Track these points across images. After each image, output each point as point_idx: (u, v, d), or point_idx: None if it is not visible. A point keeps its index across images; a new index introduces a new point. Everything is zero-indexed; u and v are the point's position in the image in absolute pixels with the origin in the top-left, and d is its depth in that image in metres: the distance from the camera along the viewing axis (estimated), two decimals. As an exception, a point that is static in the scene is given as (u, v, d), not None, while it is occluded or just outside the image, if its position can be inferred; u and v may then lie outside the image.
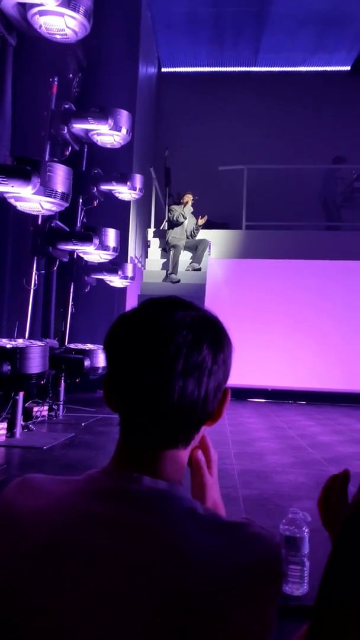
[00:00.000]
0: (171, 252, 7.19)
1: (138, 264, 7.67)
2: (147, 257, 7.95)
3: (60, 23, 3.05)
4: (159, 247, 7.83)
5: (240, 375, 7.62)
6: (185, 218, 7.18)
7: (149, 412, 0.62)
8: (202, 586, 0.55)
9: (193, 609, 0.54)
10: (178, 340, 0.61)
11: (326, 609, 0.53)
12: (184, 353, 0.61)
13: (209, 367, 0.63)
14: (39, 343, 3.15)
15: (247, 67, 9.96)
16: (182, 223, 7.17)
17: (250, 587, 0.57)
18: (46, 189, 3.09)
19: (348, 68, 9.74)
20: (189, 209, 7.26)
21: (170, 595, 0.54)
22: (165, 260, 7.48)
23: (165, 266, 7.43)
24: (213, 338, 0.65)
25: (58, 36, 3.21)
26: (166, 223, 7.44)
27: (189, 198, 7.27)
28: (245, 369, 7.64)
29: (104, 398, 0.67)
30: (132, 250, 7.25)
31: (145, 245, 8.15)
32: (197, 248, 7.33)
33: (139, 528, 0.58)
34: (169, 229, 7.32)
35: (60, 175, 3.16)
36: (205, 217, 7.32)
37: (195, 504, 0.62)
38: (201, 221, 7.30)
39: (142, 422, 0.63)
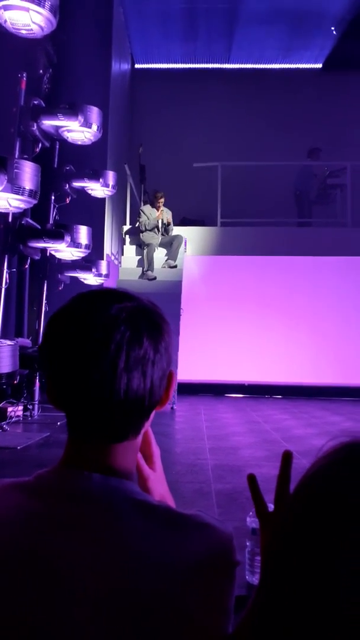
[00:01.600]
0: (145, 250, 7.19)
1: (115, 260, 7.64)
2: (122, 254, 7.93)
3: (26, 18, 3.01)
4: (132, 244, 7.82)
5: (217, 371, 7.67)
6: (149, 229, 7.18)
7: (96, 411, 0.61)
8: (155, 582, 0.55)
9: (146, 606, 0.54)
10: (117, 337, 0.60)
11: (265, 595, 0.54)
12: (125, 350, 0.60)
13: (151, 359, 0.62)
14: (9, 342, 3.12)
15: (221, 63, 9.97)
16: (151, 229, 7.20)
17: (204, 579, 0.57)
18: (13, 186, 3.05)
19: (320, 66, 9.84)
20: (158, 214, 7.25)
21: (122, 594, 0.54)
22: (140, 257, 7.48)
23: (141, 263, 7.42)
24: (151, 328, 0.64)
25: (24, 31, 3.16)
26: (138, 223, 7.45)
27: (161, 203, 7.26)
28: (222, 365, 7.69)
29: (47, 397, 0.66)
30: (108, 247, 7.22)
31: (121, 242, 8.12)
32: (172, 244, 7.35)
33: (89, 528, 0.57)
34: (141, 230, 7.34)
35: (28, 172, 3.12)
36: (170, 220, 7.31)
37: (146, 497, 0.62)
38: (167, 221, 7.30)
39: (90, 420, 0.62)
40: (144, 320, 0.63)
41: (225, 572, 0.59)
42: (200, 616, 0.56)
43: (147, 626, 0.54)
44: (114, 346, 0.60)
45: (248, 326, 7.85)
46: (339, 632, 0.45)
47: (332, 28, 8.78)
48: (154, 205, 7.35)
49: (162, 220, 7.31)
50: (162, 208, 7.34)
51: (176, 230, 7.60)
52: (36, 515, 0.59)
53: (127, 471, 0.64)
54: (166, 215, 7.37)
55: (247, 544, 1.49)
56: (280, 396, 7.39)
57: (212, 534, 0.60)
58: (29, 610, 0.55)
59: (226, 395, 7.46)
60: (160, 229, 7.33)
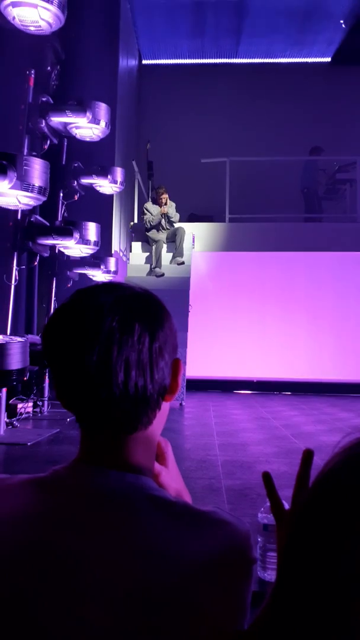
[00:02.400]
0: (153, 247, 7.19)
1: (123, 257, 7.64)
2: (131, 251, 7.93)
3: (34, 15, 3.01)
4: (138, 240, 7.82)
5: (226, 367, 7.66)
6: (153, 226, 7.17)
7: (97, 404, 0.60)
8: (171, 579, 0.55)
9: (163, 603, 0.54)
10: (106, 325, 0.59)
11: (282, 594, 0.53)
12: (117, 338, 0.59)
13: (147, 346, 0.60)
14: (19, 339, 3.13)
15: (228, 58, 9.92)
16: (156, 226, 7.20)
17: (220, 575, 0.57)
18: (23, 183, 3.05)
19: (329, 59, 9.75)
20: (161, 210, 7.24)
21: (139, 591, 0.54)
22: (148, 254, 7.47)
23: (148, 260, 7.42)
24: (145, 315, 0.62)
25: (32, 28, 3.16)
26: (144, 221, 7.45)
27: (164, 199, 7.24)
28: (231, 361, 7.69)
29: (56, 396, 0.65)
30: (116, 244, 7.23)
31: (129, 238, 8.13)
32: (174, 238, 7.32)
33: (106, 525, 0.57)
34: (146, 228, 7.34)
35: (37, 169, 3.13)
36: (166, 208, 7.27)
37: (163, 493, 0.62)
38: (163, 210, 7.25)
39: (94, 415, 0.61)
40: (136, 306, 0.62)
41: (241, 569, 0.59)
42: (216, 613, 0.56)
43: (162, 622, 0.54)
44: (104, 335, 0.59)
45: (256, 322, 7.83)
46: (356, 630, 0.45)
47: (341, 21, 8.70)
48: (156, 201, 7.35)
49: (167, 214, 7.29)
50: (165, 202, 7.31)
51: (184, 226, 7.58)
52: (53, 511, 0.59)
53: (143, 466, 0.64)
54: (169, 208, 7.32)
55: (259, 539, 1.48)
56: (289, 392, 7.37)
57: (229, 531, 0.60)
58: (44, 605, 0.55)
59: (235, 391, 7.45)
60: (165, 226, 7.32)
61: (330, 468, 0.52)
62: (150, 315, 0.62)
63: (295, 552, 0.51)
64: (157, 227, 7.28)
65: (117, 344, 0.59)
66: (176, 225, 7.45)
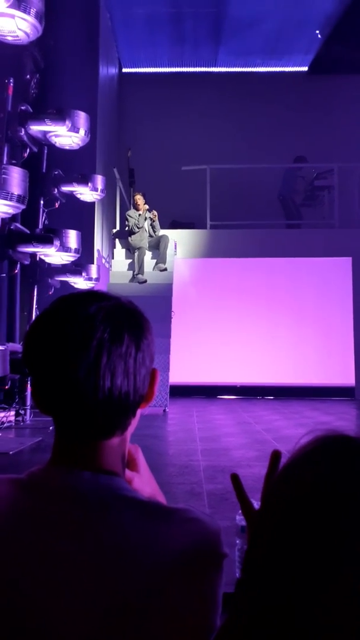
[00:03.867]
0: (136, 254, 7.22)
1: (105, 264, 7.65)
2: (113, 258, 7.94)
3: (11, 25, 3.02)
4: (122, 247, 7.84)
5: (209, 373, 7.69)
6: (140, 227, 7.23)
7: (80, 409, 0.62)
8: (141, 577, 0.56)
9: (134, 601, 0.55)
10: (97, 335, 0.61)
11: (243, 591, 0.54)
12: (107, 347, 0.61)
13: (133, 356, 0.63)
14: (-1, 347, 3.12)
15: (208, 67, 10.03)
16: (138, 231, 7.23)
17: (191, 570, 0.58)
18: (2, 192, 3.06)
19: (305, 69, 9.93)
20: (143, 215, 7.31)
21: (111, 589, 0.56)
22: (130, 260, 7.49)
23: (130, 267, 7.44)
24: (132, 326, 0.65)
25: (9, 38, 3.17)
26: (127, 227, 7.49)
27: (139, 200, 7.31)
28: (214, 367, 7.72)
29: (34, 401, 0.67)
30: (99, 251, 7.23)
31: (111, 245, 8.13)
32: (159, 246, 7.37)
33: (79, 524, 0.59)
34: (129, 235, 7.37)
35: (15, 178, 3.13)
36: (155, 213, 7.35)
37: (135, 494, 0.63)
38: (153, 217, 7.33)
39: (76, 419, 0.63)
40: (124, 317, 0.65)
41: (212, 564, 0.60)
42: (187, 607, 0.57)
43: (135, 618, 0.55)
44: (95, 343, 0.61)
45: (239, 328, 7.89)
46: (325, 623, 0.46)
47: (317, 32, 8.86)
48: (135, 207, 7.41)
49: (148, 217, 7.33)
50: (143, 207, 7.36)
51: (165, 233, 7.62)
52: (28, 511, 0.60)
53: (115, 469, 0.65)
54: (155, 218, 7.40)
55: (237, 541, 1.51)
56: (271, 397, 7.43)
57: (199, 527, 0.61)
58: (19, 604, 0.56)
59: (218, 397, 7.48)
60: (147, 229, 7.35)
61: (289, 466, 0.54)
62: (136, 327, 0.65)
63: (254, 550, 0.52)
64: (141, 230, 7.29)
65: (107, 353, 0.61)
66: (160, 233, 7.50)
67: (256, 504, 0.74)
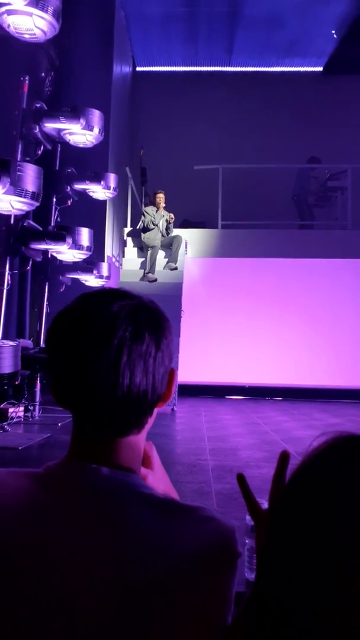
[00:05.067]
0: (148, 252, 7.22)
1: (116, 262, 7.66)
2: (124, 256, 7.95)
3: (29, 23, 3.04)
4: (134, 246, 7.85)
5: (217, 372, 7.68)
6: (155, 225, 7.25)
7: (99, 406, 0.63)
8: (156, 572, 0.57)
9: (149, 596, 0.56)
10: (119, 333, 0.62)
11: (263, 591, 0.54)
12: (128, 345, 0.62)
13: (153, 355, 0.64)
14: (11, 343, 3.14)
15: (222, 66, 10.01)
16: (154, 228, 7.25)
17: (206, 568, 0.59)
18: (16, 189, 3.08)
19: (320, 69, 9.88)
20: (161, 212, 7.33)
21: (126, 584, 0.56)
22: (142, 259, 7.50)
23: (142, 265, 7.45)
24: (153, 325, 0.66)
25: (27, 36, 3.19)
26: (141, 224, 7.50)
27: (160, 199, 7.34)
28: (223, 367, 7.71)
29: (53, 396, 0.68)
30: (109, 249, 7.25)
31: (122, 244, 8.15)
32: (171, 245, 7.38)
33: (96, 519, 0.59)
34: (143, 232, 7.38)
35: (30, 175, 3.15)
36: (173, 216, 7.38)
37: (152, 490, 0.64)
38: (170, 219, 7.36)
39: (94, 415, 0.64)
40: (145, 317, 0.65)
41: (226, 562, 0.61)
42: (201, 604, 0.57)
43: (149, 613, 0.56)
44: (116, 341, 0.61)
45: (248, 328, 7.87)
46: (335, 623, 0.46)
47: (333, 32, 8.82)
48: (155, 204, 7.42)
49: (166, 218, 7.36)
50: (162, 205, 7.39)
51: (177, 232, 7.63)
52: (44, 505, 0.61)
53: (132, 466, 0.66)
54: (168, 216, 7.43)
55: (247, 541, 1.50)
56: (280, 398, 7.40)
57: (215, 526, 0.61)
58: (34, 594, 0.57)
59: (226, 397, 7.47)
60: (162, 230, 7.36)
61: (302, 466, 0.54)
62: (157, 326, 0.66)
63: (274, 548, 0.52)
64: (156, 227, 7.30)
65: (127, 351, 0.62)
66: (174, 233, 7.52)
67: (264, 504, 0.74)
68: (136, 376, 0.62)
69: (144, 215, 7.44)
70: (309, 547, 0.49)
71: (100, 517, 0.60)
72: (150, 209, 7.42)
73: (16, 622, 0.56)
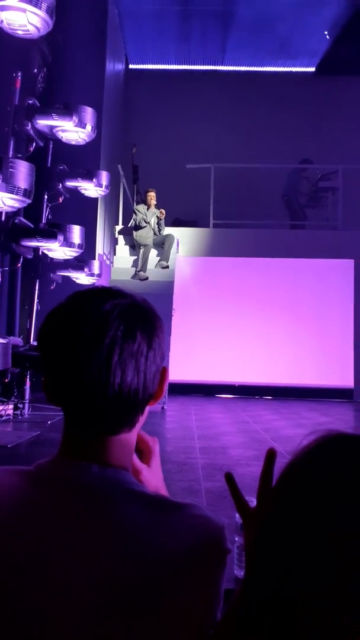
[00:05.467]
0: (141, 251, 7.22)
1: (106, 260, 7.65)
2: (115, 254, 7.94)
3: (22, 19, 3.02)
4: (126, 244, 7.84)
5: (207, 371, 7.70)
6: (147, 222, 7.24)
7: (91, 404, 0.63)
8: (147, 569, 0.57)
9: (139, 592, 0.57)
10: (111, 332, 0.62)
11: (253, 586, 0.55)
12: (119, 344, 0.62)
13: (145, 354, 0.64)
14: (1, 340, 3.13)
15: (215, 65, 10.02)
16: (145, 226, 7.24)
17: (196, 564, 0.59)
18: (8, 185, 3.06)
19: (313, 69, 9.92)
20: (152, 210, 7.33)
21: (116, 580, 0.57)
22: (134, 257, 7.49)
23: (133, 263, 7.44)
24: (145, 324, 0.66)
25: (20, 32, 3.17)
26: (133, 222, 7.49)
27: (152, 198, 7.34)
28: (213, 366, 7.73)
29: (44, 393, 0.68)
30: (100, 247, 7.23)
31: (114, 242, 8.13)
32: (163, 244, 7.38)
33: (87, 516, 0.60)
34: (135, 230, 7.37)
35: (22, 172, 3.14)
36: (163, 212, 7.38)
37: (142, 488, 0.65)
38: (161, 215, 7.35)
39: (86, 413, 0.64)
40: (137, 316, 0.66)
41: (216, 559, 0.61)
42: (190, 601, 0.58)
43: (139, 608, 0.56)
44: (108, 340, 0.62)
45: (239, 327, 7.89)
46: (325, 620, 0.47)
47: (326, 32, 8.85)
48: (146, 202, 7.41)
49: (156, 214, 7.35)
50: (153, 204, 7.38)
51: (168, 231, 7.63)
52: (36, 502, 0.61)
53: (123, 464, 0.66)
54: (158, 212, 7.42)
55: (236, 539, 1.52)
56: (270, 397, 7.44)
57: (205, 523, 0.62)
58: (23, 589, 0.57)
59: (216, 395, 7.49)
60: (154, 228, 7.36)
61: (293, 463, 0.55)
62: (149, 325, 0.66)
63: (264, 545, 0.53)
64: (147, 225, 7.29)
65: (119, 350, 0.62)
66: (166, 232, 7.51)
67: (253, 502, 0.74)
68: (127, 375, 0.63)
69: (135, 214, 7.44)
70: (299, 544, 0.49)
71: (91, 514, 0.60)
72: (141, 207, 7.41)
73: (10, 619, 0.56)
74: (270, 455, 0.72)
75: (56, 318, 0.66)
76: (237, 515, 1.62)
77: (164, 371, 0.69)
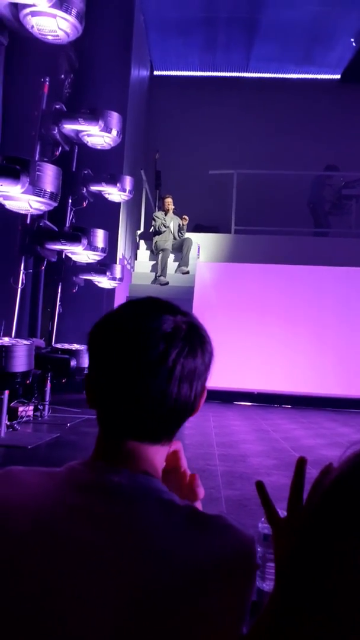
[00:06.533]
0: (160, 255, 7.24)
1: (127, 265, 7.68)
2: (136, 259, 7.97)
3: (52, 24, 3.06)
4: (147, 249, 7.87)
5: (226, 378, 7.65)
6: (166, 227, 7.27)
7: (141, 415, 0.64)
8: (174, 580, 0.56)
9: (165, 602, 0.56)
10: (175, 352, 0.64)
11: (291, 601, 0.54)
12: (182, 363, 0.64)
13: (200, 372, 0.67)
14: (25, 342, 3.15)
15: (239, 72, 10.03)
16: (165, 231, 7.28)
17: (226, 579, 0.58)
18: (35, 189, 3.09)
19: (338, 77, 9.86)
20: (170, 215, 7.36)
21: (143, 588, 0.56)
22: (153, 262, 7.52)
23: (153, 268, 7.46)
24: (202, 344, 0.68)
25: (50, 37, 3.22)
26: (152, 228, 7.53)
27: (168, 204, 7.37)
28: (232, 372, 7.67)
29: (86, 395, 0.69)
30: (122, 251, 7.27)
31: (135, 247, 8.17)
32: (181, 248, 7.39)
33: (117, 520, 0.59)
34: (154, 235, 7.41)
35: (49, 175, 3.17)
36: (186, 218, 7.41)
37: (173, 497, 0.64)
38: (183, 222, 7.38)
39: (131, 423, 0.65)
40: (197, 336, 0.68)
41: (245, 574, 0.60)
42: (217, 615, 0.57)
43: (163, 621, 0.55)
44: (171, 360, 0.64)
45: (259, 334, 7.84)
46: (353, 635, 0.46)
47: (352, 40, 8.80)
48: (163, 208, 7.46)
49: (178, 222, 7.39)
50: (171, 209, 7.41)
51: (188, 236, 7.64)
52: (66, 502, 0.61)
53: (155, 472, 0.66)
54: (185, 222, 7.46)
55: (259, 549, 1.49)
56: (289, 406, 7.36)
57: (234, 536, 0.61)
58: (52, 590, 0.57)
59: (235, 402, 7.44)
60: (173, 232, 7.38)
61: (336, 477, 0.53)
62: (205, 346, 0.69)
63: (305, 558, 0.52)
64: (167, 230, 7.33)
65: (181, 367, 0.65)
66: (185, 236, 7.54)
67: (281, 513, 0.73)
68: (183, 391, 0.65)
69: (154, 220, 7.48)
70: (341, 558, 0.48)
71: (120, 518, 0.60)
72: (159, 214, 7.46)
73: (34, 616, 0.57)
74: (301, 463, 0.70)
75: (116, 328, 0.67)
76: (260, 525, 1.59)
77: (205, 387, 0.71)
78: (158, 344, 0.64)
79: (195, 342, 0.67)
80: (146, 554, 0.57)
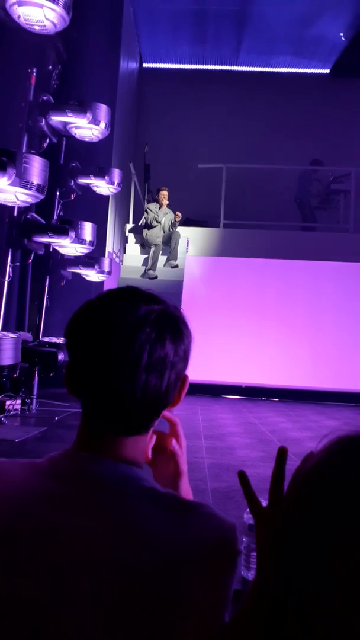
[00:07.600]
0: (151, 250, 7.22)
1: (116, 258, 7.66)
2: (124, 253, 7.94)
3: (40, 14, 3.03)
4: (136, 242, 7.84)
5: (214, 372, 7.68)
6: (159, 222, 7.25)
7: (112, 405, 0.64)
8: (157, 564, 0.57)
9: (149, 586, 0.57)
10: (142, 337, 0.63)
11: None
12: (148, 350, 0.63)
13: (170, 361, 0.65)
14: (11, 335, 3.14)
15: (228, 65, 10.00)
16: (156, 226, 7.25)
17: (205, 566, 0.59)
18: (22, 181, 3.07)
19: (327, 71, 9.87)
20: (163, 210, 7.34)
21: (127, 572, 0.57)
22: (144, 256, 7.50)
23: (143, 262, 7.44)
24: (174, 332, 0.67)
25: (37, 27, 3.18)
26: (144, 220, 7.49)
27: (164, 197, 7.34)
28: (220, 366, 7.71)
29: (65, 384, 0.69)
30: (110, 245, 7.24)
31: (124, 240, 8.14)
32: (170, 241, 7.37)
33: (98, 508, 0.60)
34: (145, 228, 7.37)
35: (36, 167, 3.14)
36: (179, 215, 7.39)
37: (154, 484, 0.65)
38: (177, 219, 7.36)
39: (106, 413, 0.65)
40: (169, 324, 0.67)
41: (226, 560, 0.61)
42: (200, 601, 0.58)
43: (146, 604, 0.56)
44: (137, 345, 0.63)
45: (247, 328, 7.87)
46: (333, 625, 0.47)
47: (341, 34, 8.81)
48: (158, 201, 7.42)
49: (171, 218, 7.36)
50: (165, 203, 7.38)
51: (178, 230, 7.62)
52: (48, 491, 0.62)
53: (135, 460, 0.67)
54: (172, 215, 7.43)
55: (244, 540, 1.51)
56: (276, 399, 7.41)
57: (216, 522, 0.62)
58: (34, 578, 0.58)
59: (223, 396, 7.47)
60: (163, 225, 7.36)
61: (312, 466, 0.54)
62: (178, 334, 0.68)
63: (283, 547, 0.52)
64: (158, 225, 7.30)
65: (147, 356, 0.63)
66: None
67: (263, 503, 0.74)
68: (151, 381, 0.64)
69: (146, 212, 7.43)
70: (321, 546, 0.49)
71: (101, 506, 0.60)
72: (153, 206, 7.41)
73: (21, 603, 0.57)
74: (282, 453, 0.71)
75: (89, 316, 0.67)
76: (245, 515, 1.62)
77: (185, 378, 0.70)
78: (125, 330, 0.63)
79: (165, 329, 0.66)
80: (128, 537, 0.58)
